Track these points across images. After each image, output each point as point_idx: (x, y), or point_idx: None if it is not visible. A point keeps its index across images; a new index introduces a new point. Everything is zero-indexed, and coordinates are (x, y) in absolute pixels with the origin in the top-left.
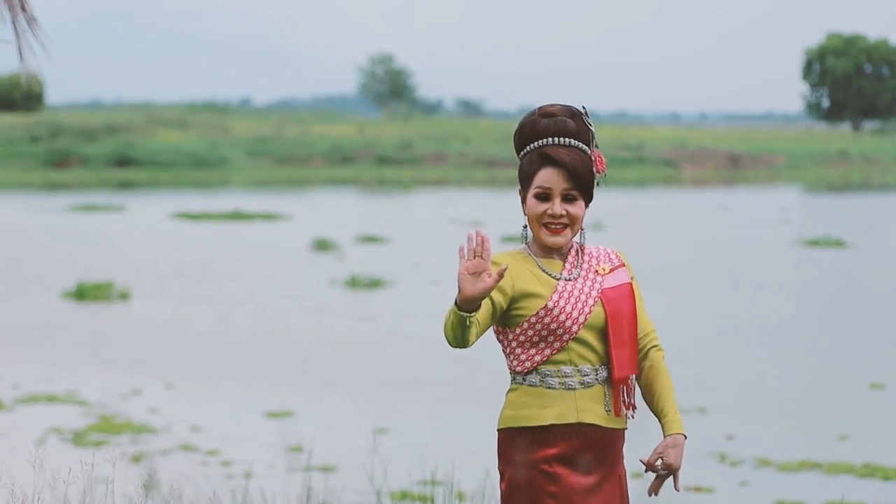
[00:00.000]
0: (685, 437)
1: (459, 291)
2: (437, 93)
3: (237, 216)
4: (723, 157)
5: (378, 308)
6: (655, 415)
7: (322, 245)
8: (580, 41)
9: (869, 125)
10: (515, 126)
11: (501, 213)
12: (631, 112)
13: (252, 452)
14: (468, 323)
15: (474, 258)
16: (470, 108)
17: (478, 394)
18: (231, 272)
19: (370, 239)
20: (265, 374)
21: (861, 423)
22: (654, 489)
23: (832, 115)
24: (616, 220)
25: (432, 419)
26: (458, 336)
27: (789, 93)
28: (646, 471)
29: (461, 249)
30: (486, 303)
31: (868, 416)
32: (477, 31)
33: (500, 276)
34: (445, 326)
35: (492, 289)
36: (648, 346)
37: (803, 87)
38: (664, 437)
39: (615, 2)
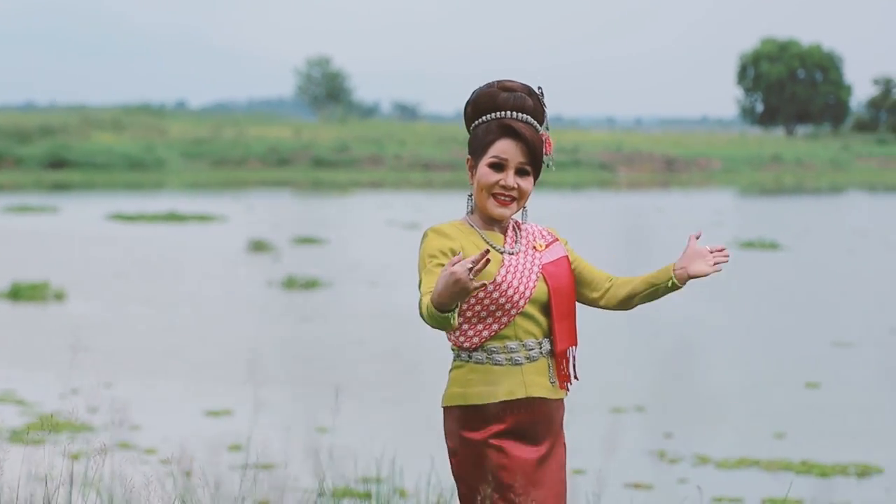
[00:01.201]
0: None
1: (442, 294)
2: (373, 96)
3: (173, 217)
4: (658, 161)
5: (315, 308)
6: (650, 292)
7: (258, 246)
8: (516, 49)
9: (802, 130)
10: (470, 97)
11: (438, 215)
12: (566, 116)
13: (192, 451)
14: (451, 319)
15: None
16: (406, 112)
17: (418, 393)
18: (167, 273)
19: (307, 240)
20: (204, 374)
21: (798, 422)
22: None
23: (766, 119)
24: (552, 223)
25: (373, 418)
26: (444, 326)
27: (724, 98)
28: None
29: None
30: None
31: (804, 414)
32: (414, 35)
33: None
34: (432, 320)
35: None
36: (611, 277)
37: (738, 92)
38: (674, 279)
39: (550, 14)
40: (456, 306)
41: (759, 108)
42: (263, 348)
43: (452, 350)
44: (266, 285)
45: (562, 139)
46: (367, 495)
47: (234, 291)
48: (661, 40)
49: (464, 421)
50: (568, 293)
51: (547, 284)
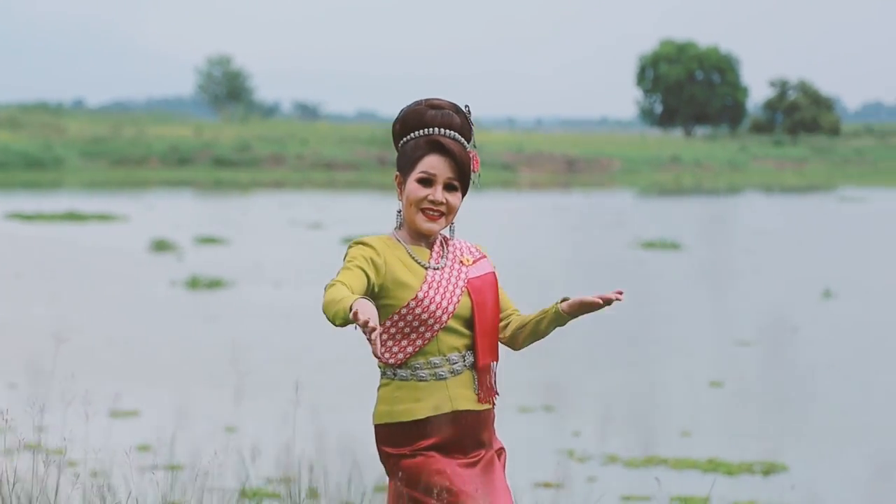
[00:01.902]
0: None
1: (340, 314)
2: (273, 95)
3: (73, 217)
4: (559, 161)
5: (220, 308)
6: (541, 327)
7: (161, 246)
8: (417, 51)
9: (700, 131)
10: (398, 114)
11: (340, 215)
12: None
13: (99, 451)
14: (336, 322)
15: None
16: (307, 112)
17: (326, 394)
18: (69, 273)
19: (209, 240)
20: (110, 374)
21: (703, 420)
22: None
23: (665, 120)
24: (456, 223)
25: (280, 419)
26: (340, 326)
27: (623, 99)
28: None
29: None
30: (361, 277)
31: (709, 413)
32: (313, 33)
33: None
34: (328, 310)
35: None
36: (512, 314)
37: (637, 93)
38: (560, 312)
39: (451, 17)
40: (342, 320)
41: (658, 109)
42: (169, 348)
43: (379, 367)
44: (170, 285)
45: None
46: (276, 496)
47: (138, 291)
48: (561, 44)
49: (393, 438)
50: (492, 308)
51: (471, 299)
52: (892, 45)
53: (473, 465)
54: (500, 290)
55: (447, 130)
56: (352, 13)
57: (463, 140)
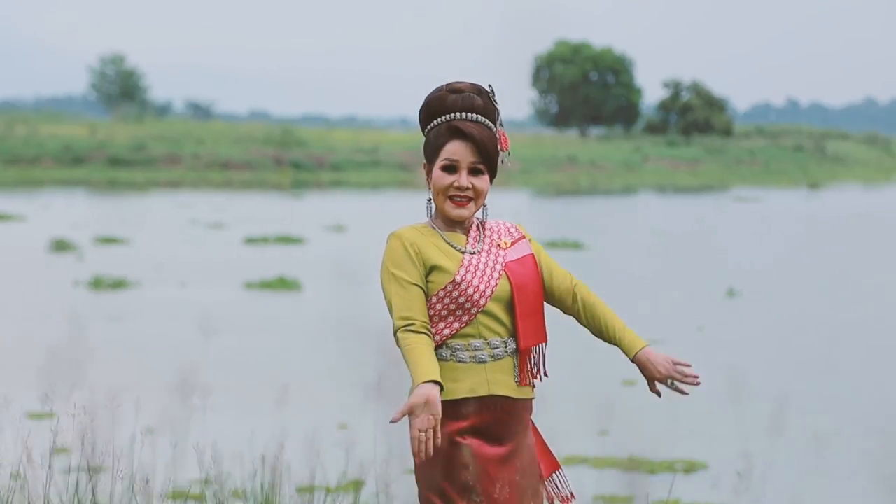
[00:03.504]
0: (647, 345)
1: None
2: (164, 94)
3: None
4: None
5: (125, 308)
6: (604, 337)
7: (60, 246)
8: (308, 49)
9: (595, 131)
10: (423, 102)
11: (239, 214)
12: (361, 116)
13: (17, 454)
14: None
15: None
16: (200, 111)
17: (242, 393)
18: None
19: (109, 240)
20: (21, 376)
21: (619, 419)
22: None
23: (560, 121)
24: (355, 222)
25: (195, 419)
26: None
27: (517, 99)
28: (660, 395)
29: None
30: (419, 295)
31: (625, 411)
32: (203, 30)
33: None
34: (407, 362)
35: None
36: (573, 287)
37: (532, 94)
38: (632, 361)
39: (346, 13)
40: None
41: (554, 109)
42: (78, 349)
43: None
44: (72, 285)
45: (360, 139)
46: (198, 497)
47: (41, 292)
48: (456, 46)
49: None
50: (533, 291)
51: (510, 282)
52: (778, 46)
53: (503, 460)
54: (548, 264)
55: (468, 114)
56: (240, 10)
57: (486, 121)
